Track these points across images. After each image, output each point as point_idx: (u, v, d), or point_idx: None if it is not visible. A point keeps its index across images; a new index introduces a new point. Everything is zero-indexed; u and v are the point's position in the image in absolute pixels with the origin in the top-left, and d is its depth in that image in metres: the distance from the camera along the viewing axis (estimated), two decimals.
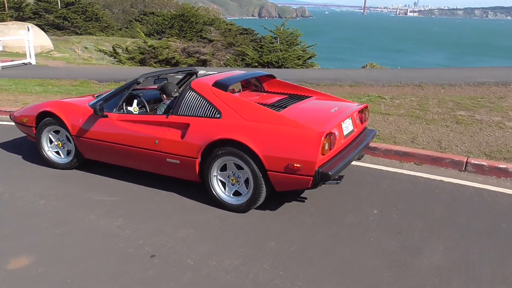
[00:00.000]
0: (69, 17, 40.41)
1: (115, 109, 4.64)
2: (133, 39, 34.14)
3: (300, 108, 4.33)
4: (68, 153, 5.15)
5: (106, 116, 4.57)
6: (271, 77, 5.27)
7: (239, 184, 4.00)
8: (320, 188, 4.46)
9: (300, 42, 22.20)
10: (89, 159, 5.02)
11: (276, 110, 4.05)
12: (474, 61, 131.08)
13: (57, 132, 5.13)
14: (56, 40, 30.55)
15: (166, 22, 39.34)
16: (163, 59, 17.98)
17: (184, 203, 4.26)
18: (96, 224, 3.84)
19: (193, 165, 4.06)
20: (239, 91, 5.27)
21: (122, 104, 4.74)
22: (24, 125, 5.34)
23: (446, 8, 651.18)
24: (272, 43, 21.52)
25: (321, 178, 3.55)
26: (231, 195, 4.06)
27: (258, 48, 21.30)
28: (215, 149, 3.90)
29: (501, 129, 6.28)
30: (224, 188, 4.10)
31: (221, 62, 20.09)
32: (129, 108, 4.86)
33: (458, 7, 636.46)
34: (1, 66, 15.50)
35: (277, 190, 3.83)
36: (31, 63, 16.80)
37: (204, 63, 19.84)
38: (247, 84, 5.40)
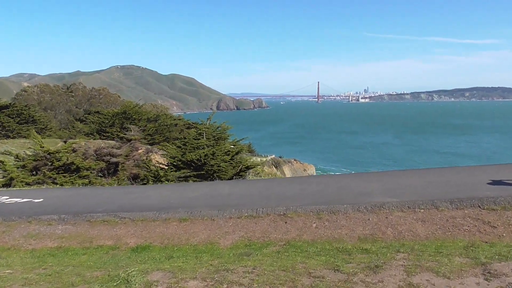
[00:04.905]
0: (1, 120, 38.01)
1: None
2: (71, 139, 31.67)
3: None
4: None
5: None
6: None
7: None
8: None
9: (229, 136, 20.22)
10: None
11: None
12: (418, 139, 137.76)
13: None
14: None
15: (107, 121, 37.32)
16: (60, 166, 15.17)
17: None
18: None
19: None
20: None
21: None
22: None
23: (394, 93, 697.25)
24: (198, 139, 19.36)
25: None
26: None
27: (181, 145, 19.03)
28: None
29: None
30: None
31: (133, 164, 17.43)
32: None
33: (405, 92, 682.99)
34: None
35: None
36: None
37: (116, 168, 17.14)
38: None
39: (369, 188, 8.39)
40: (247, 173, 17.35)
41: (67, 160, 15.41)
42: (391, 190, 8.07)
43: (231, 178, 18.02)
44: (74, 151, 17.42)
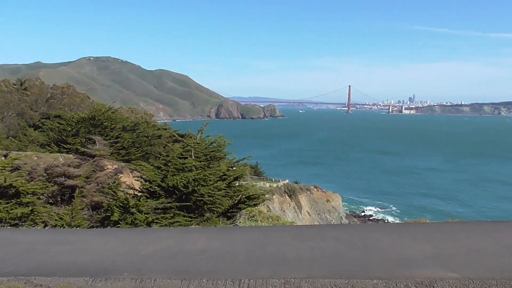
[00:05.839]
0: None
1: None
2: (19, 151, 31.37)
3: None
4: None
5: None
6: None
7: None
8: None
9: (226, 155, 19.57)
10: None
11: None
12: (477, 165, 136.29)
13: None
14: None
15: (70, 128, 36.83)
16: None
17: None
18: None
19: None
20: None
21: None
22: None
23: (448, 104, 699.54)
24: (184, 158, 18.74)
25: None
26: None
27: (162, 166, 18.39)
28: None
29: None
30: None
31: (95, 189, 16.80)
32: None
33: (463, 103, 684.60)
34: None
35: None
36: None
37: (72, 193, 16.54)
38: None
39: (412, 251, 7.50)
40: (238, 215, 16.70)
41: (4, 181, 14.83)
42: (446, 256, 7.16)
43: (226, 212, 17.37)
44: (16, 169, 16.87)
